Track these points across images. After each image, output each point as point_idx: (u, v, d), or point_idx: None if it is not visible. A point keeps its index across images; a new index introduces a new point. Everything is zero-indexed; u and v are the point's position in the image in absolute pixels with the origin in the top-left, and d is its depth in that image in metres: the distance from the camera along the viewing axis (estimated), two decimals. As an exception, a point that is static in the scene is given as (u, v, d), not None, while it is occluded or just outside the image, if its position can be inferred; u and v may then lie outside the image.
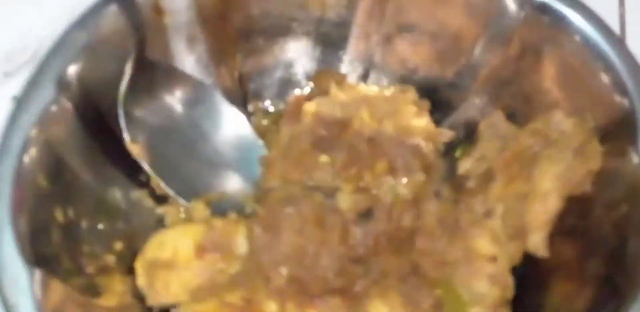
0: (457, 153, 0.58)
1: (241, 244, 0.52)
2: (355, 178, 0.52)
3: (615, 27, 0.61)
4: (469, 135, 0.58)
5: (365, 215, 0.52)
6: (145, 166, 0.54)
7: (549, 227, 0.50)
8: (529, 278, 0.52)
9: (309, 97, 0.56)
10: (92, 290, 0.52)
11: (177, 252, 0.52)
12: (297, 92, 0.61)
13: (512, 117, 0.55)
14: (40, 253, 0.48)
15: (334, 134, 0.53)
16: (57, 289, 0.48)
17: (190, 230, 0.53)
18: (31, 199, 0.48)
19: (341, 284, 0.50)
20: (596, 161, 0.49)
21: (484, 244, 0.51)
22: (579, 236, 0.51)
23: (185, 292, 0.52)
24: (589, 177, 0.50)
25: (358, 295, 0.50)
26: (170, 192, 0.55)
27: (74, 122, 0.51)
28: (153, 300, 0.53)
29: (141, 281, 0.53)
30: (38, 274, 0.45)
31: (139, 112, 0.54)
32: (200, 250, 0.52)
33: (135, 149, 0.53)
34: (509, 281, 0.52)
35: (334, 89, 0.55)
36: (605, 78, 0.49)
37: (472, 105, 0.58)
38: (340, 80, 0.57)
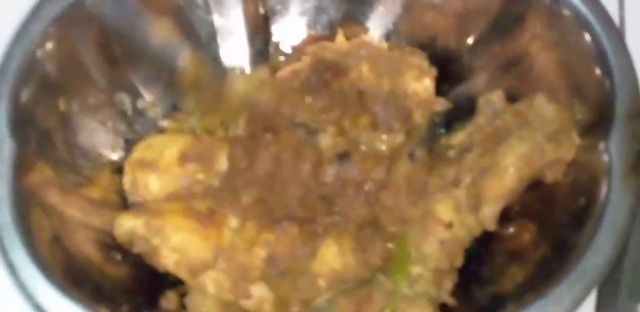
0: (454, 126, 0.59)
1: (222, 161, 0.55)
2: (335, 124, 0.54)
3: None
4: (469, 111, 0.58)
5: (342, 157, 0.54)
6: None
7: (500, 203, 0.51)
8: (472, 253, 0.54)
9: (318, 39, 0.58)
10: (78, 180, 0.55)
11: (162, 156, 0.55)
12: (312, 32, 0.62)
13: (512, 98, 0.56)
14: (34, 130, 0.52)
15: (326, 78, 0.55)
16: (41, 170, 0.52)
17: (179, 138, 0.56)
18: (37, 83, 0.52)
19: (303, 215, 0.53)
20: (569, 151, 0.50)
21: (444, 210, 0.53)
22: (540, 223, 0.53)
23: (162, 193, 0.55)
24: (560, 165, 0.51)
25: (316, 231, 0.52)
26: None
27: (96, 23, 0.55)
28: (133, 196, 0.56)
29: (126, 178, 0.57)
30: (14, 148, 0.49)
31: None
32: (184, 158, 0.55)
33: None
34: (459, 250, 0.53)
35: (339, 36, 0.57)
36: (595, 71, 0.50)
37: (479, 82, 0.59)
38: (358, 32, 0.58)
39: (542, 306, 0.45)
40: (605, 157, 0.48)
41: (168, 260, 0.52)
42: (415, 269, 0.52)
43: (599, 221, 0.46)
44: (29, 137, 0.51)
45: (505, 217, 0.53)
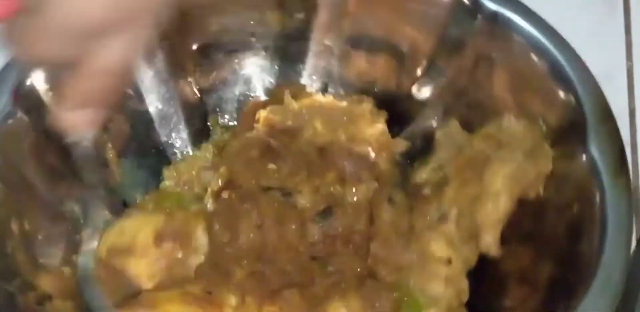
0: (415, 164, 0.58)
1: (200, 237, 0.53)
2: (305, 185, 0.53)
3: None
4: (426, 146, 0.58)
5: (325, 214, 0.53)
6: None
7: (500, 227, 0.50)
8: (483, 282, 0.53)
9: (264, 105, 0.57)
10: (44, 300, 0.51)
11: (136, 240, 0.53)
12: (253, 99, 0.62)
13: (467, 125, 0.56)
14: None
15: (284, 142, 0.54)
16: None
17: (150, 219, 0.54)
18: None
19: (300, 279, 0.51)
20: (547, 164, 0.50)
21: (438, 248, 0.51)
22: (534, 240, 0.52)
23: (144, 279, 0.52)
24: (540, 179, 0.51)
25: (318, 294, 0.51)
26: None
27: (31, 135, 0.51)
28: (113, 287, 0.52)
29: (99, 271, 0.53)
30: None
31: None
32: (159, 238, 0.52)
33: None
34: (464, 283, 0.52)
35: (287, 98, 0.56)
36: (553, 82, 0.50)
37: (429, 117, 0.58)
38: (299, 91, 0.58)
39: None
40: (589, 162, 0.47)
41: None
42: None
43: (603, 223, 0.46)
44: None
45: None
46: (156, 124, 0.59)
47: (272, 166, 0.53)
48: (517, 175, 0.50)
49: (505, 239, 0.52)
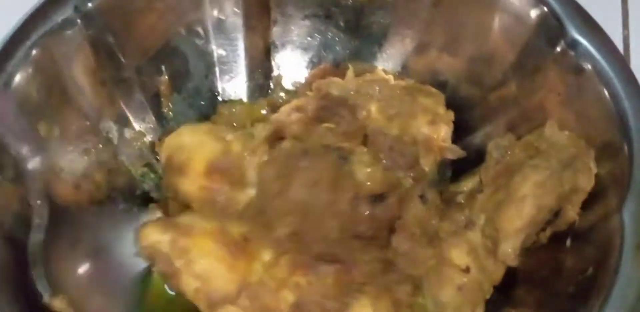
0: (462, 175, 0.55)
1: (253, 175, 0.51)
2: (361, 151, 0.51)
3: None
4: (476, 161, 0.55)
5: (377, 198, 0.50)
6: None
7: (521, 236, 0.48)
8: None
9: (330, 72, 0.55)
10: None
11: (190, 162, 0.52)
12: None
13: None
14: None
15: (333, 112, 0.51)
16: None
17: (208, 144, 0.52)
18: (16, 105, 0.49)
19: (341, 254, 0.48)
20: (588, 179, 0.47)
21: (458, 255, 0.49)
22: (546, 289, 0.49)
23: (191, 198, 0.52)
24: (579, 195, 0.48)
25: (352, 283, 0.48)
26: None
27: (86, 48, 0.52)
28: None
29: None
30: None
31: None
32: (211, 170, 0.51)
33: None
34: (479, 297, 0.49)
35: (349, 72, 0.53)
36: (614, 131, 0.46)
37: (489, 133, 0.55)
38: (368, 69, 0.55)
39: None
40: (618, 227, 0.44)
41: (188, 286, 0.48)
42: None
43: (607, 294, 0.43)
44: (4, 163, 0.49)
45: (510, 281, 0.50)
46: (217, 69, 0.58)
47: (327, 124, 0.51)
48: (548, 183, 0.47)
49: (520, 281, 0.51)
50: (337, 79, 0.53)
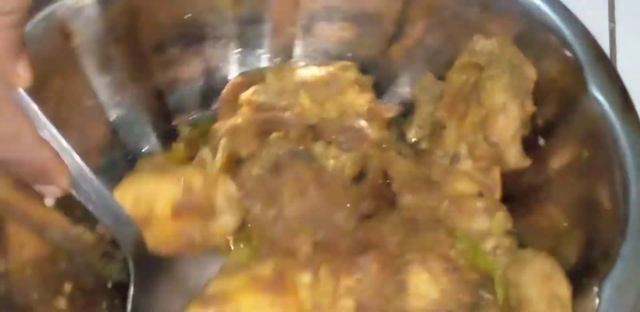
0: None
1: (222, 204, 0.49)
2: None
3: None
4: (407, 110, 0.56)
5: (358, 178, 0.51)
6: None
7: (518, 137, 0.49)
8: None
9: (245, 84, 0.54)
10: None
11: (153, 212, 0.49)
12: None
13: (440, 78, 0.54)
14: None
15: (280, 114, 0.51)
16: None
17: (166, 187, 0.50)
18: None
19: (368, 238, 0.48)
20: (530, 69, 0.49)
21: (464, 185, 0.50)
22: (541, 192, 0.51)
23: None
24: (529, 87, 0.49)
25: (395, 256, 0.47)
26: None
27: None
28: None
29: None
30: None
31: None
32: (178, 212, 0.49)
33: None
34: (503, 208, 0.50)
35: (269, 76, 0.52)
36: (540, 30, 0.49)
37: (405, 80, 0.57)
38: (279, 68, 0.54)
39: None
40: (593, 103, 0.46)
41: None
42: (489, 244, 0.49)
43: (621, 166, 0.44)
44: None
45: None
46: (121, 133, 0.56)
47: (277, 133, 0.51)
48: (513, 84, 0.48)
49: (509, 194, 0.52)
50: (259, 86, 0.52)
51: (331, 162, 0.50)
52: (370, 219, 0.49)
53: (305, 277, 0.47)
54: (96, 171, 0.52)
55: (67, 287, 0.50)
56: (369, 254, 0.47)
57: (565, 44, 0.47)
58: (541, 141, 0.51)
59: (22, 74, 0.39)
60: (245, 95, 0.52)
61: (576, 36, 0.47)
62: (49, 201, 0.45)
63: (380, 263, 0.46)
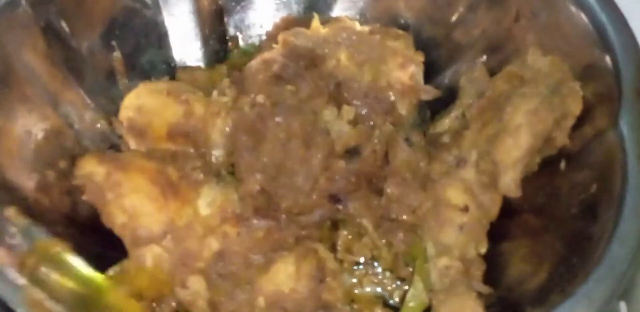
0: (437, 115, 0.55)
1: (216, 138, 0.50)
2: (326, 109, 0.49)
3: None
4: (450, 97, 0.54)
5: (352, 153, 0.49)
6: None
7: (520, 166, 0.47)
8: (485, 259, 0.49)
9: (294, 23, 0.53)
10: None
11: (151, 126, 0.50)
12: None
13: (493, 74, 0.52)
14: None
15: (300, 67, 0.50)
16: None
17: (168, 107, 0.50)
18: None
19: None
20: (576, 103, 0.46)
21: (454, 194, 0.48)
22: (545, 214, 0.49)
23: None
24: (568, 121, 0.47)
25: (283, 241, 0.47)
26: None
27: (35, 31, 0.48)
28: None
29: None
30: None
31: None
32: (173, 133, 0.50)
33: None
34: (481, 233, 0.48)
35: (315, 21, 0.51)
36: (594, 45, 0.46)
37: (459, 70, 0.54)
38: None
39: (570, 306, 0.40)
40: (617, 141, 0.43)
41: (115, 219, 0.47)
42: (442, 261, 0.48)
43: (620, 208, 0.42)
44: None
45: (505, 213, 0.49)
46: (170, 38, 0.56)
47: (290, 87, 0.49)
48: (540, 110, 0.46)
49: (516, 209, 0.50)
50: (302, 29, 0.51)
51: (336, 125, 0.49)
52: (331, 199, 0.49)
53: (202, 201, 0.47)
54: (135, 68, 0.55)
55: (62, 164, 0.51)
56: (266, 222, 0.47)
57: (616, 70, 0.45)
58: (562, 165, 0.48)
59: None
60: (285, 34, 0.51)
61: (629, 64, 0.44)
62: None
63: (267, 235, 0.47)
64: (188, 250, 0.46)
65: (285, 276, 0.46)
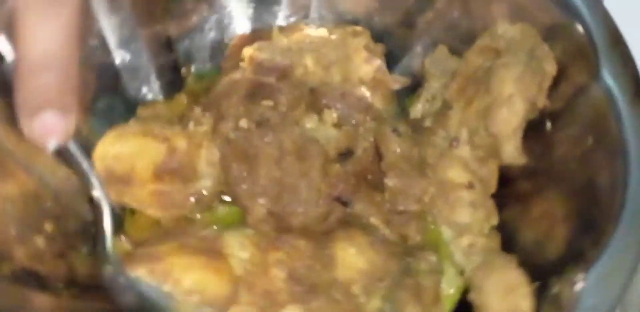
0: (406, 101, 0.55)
1: (204, 168, 0.49)
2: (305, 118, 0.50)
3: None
4: (417, 84, 0.55)
5: (345, 155, 0.49)
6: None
7: (520, 133, 0.47)
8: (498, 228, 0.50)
9: (253, 39, 0.53)
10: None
11: (134, 171, 0.49)
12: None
13: (455, 52, 0.53)
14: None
15: (272, 81, 0.50)
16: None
17: (149, 147, 0.49)
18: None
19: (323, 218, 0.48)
20: (551, 64, 0.47)
21: (456, 174, 0.49)
22: (541, 176, 0.49)
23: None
24: (546, 83, 0.47)
25: (323, 237, 0.47)
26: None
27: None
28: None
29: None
30: None
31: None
32: (159, 173, 0.49)
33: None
34: (491, 205, 0.49)
35: (275, 33, 0.51)
36: (558, 8, 0.47)
37: (418, 52, 0.55)
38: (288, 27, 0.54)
39: (610, 256, 0.41)
40: (603, 90, 0.44)
41: (189, 304, 0.45)
42: (464, 241, 0.48)
43: (624, 155, 0.43)
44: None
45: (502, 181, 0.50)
46: (124, 77, 0.55)
47: (267, 102, 0.49)
48: (526, 77, 0.46)
49: (509, 177, 0.50)
50: (265, 43, 0.51)
51: (321, 133, 0.50)
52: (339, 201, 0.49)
53: (235, 246, 0.47)
54: (95, 113, 0.53)
55: (48, 227, 0.49)
56: (293, 231, 0.47)
57: (584, 25, 0.46)
58: (548, 125, 0.49)
59: None
60: (248, 50, 0.51)
61: (595, 18, 0.46)
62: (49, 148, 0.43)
63: (306, 239, 0.47)
64: (265, 291, 0.45)
65: (352, 257, 0.46)
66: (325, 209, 0.48)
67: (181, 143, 0.49)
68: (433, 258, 0.48)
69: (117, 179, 0.49)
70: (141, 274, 0.46)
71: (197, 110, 0.50)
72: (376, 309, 0.46)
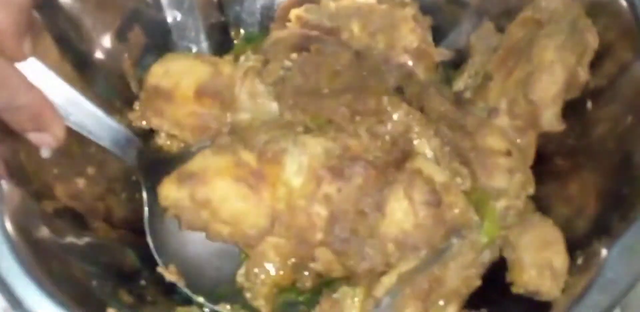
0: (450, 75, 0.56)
1: (244, 100, 0.50)
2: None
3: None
4: (461, 60, 0.55)
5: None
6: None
7: (559, 100, 0.48)
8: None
9: (300, 3, 0.53)
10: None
11: (178, 86, 0.50)
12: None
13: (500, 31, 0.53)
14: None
15: (317, 34, 0.51)
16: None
17: (197, 68, 0.51)
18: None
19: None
20: (593, 37, 0.47)
21: (494, 141, 0.49)
22: (580, 155, 0.49)
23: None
24: (588, 56, 0.48)
25: (384, 177, 0.46)
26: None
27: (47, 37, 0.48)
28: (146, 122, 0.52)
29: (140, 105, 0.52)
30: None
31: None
32: (201, 93, 0.50)
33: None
34: (528, 174, 0.49)
35: None
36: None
37: (465, 30, 0.56)
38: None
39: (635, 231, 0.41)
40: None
41: (222, 233, 0.46)
42: (501, 203, 0.48)
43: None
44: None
45: (536, 160, 0.50)
46: (174, 36, 0.56)
47: (315, 46, 0.51)
48: (567, 46, 0.47)
49: (547, 155, 0.51)
50: (312, 5, 0.52)
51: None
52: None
53: (289, 170, 0.46)
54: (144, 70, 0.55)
55: (90, 170, 0.51)
56: (358, 164, 0.46)
57: (628, 1, 0.46)
58: (589, 104, 0.49)
59: (27, 51, 0.38)
60: (296, 11, 0.52)
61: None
62: (45, 153, 0.45)
63: (365, 178, 0.46)
64: (301, 228, 0.45)
65: (402, 213, 0.45)
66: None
67: (227, 68, 0.51)
68: (478, 239, 0.46)
69: (160, 95, 0.51)
70: (180, 196, 0.46)
71: (248, 53, 0.52)
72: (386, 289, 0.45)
